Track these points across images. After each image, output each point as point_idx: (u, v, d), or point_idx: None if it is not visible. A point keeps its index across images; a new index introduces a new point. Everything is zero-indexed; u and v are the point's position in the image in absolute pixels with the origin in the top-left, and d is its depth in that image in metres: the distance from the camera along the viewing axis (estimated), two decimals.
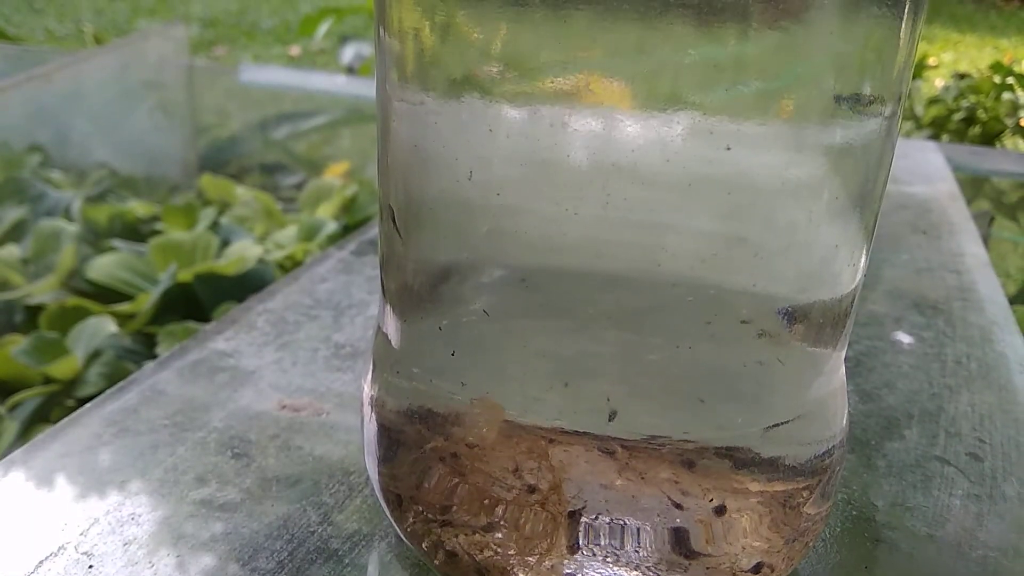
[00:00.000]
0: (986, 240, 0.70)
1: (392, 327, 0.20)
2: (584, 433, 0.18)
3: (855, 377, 0.31)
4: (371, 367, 0.21)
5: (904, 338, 0.34)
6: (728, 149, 0.16)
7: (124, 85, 0.70)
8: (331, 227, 0.67)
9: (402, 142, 0.19)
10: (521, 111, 0.16)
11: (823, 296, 0.19)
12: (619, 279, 0.17)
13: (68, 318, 0.56)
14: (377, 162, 0.21)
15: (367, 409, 0.21)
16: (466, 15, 0.17)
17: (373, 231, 0.42)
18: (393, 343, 0.20)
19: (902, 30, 0.17)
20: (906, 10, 0.17)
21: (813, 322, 0.18)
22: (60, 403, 0.50)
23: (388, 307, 0.21)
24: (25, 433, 0.48)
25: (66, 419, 0.26)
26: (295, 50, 3.05)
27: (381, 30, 0.19)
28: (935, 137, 0.94)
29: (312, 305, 0.34)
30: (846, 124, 0.17)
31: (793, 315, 0.18)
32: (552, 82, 0.16)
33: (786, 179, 0.17)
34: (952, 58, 3.25)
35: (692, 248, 0.17)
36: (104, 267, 0.63)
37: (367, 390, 0.21)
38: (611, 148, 0.16)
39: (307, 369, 0.30)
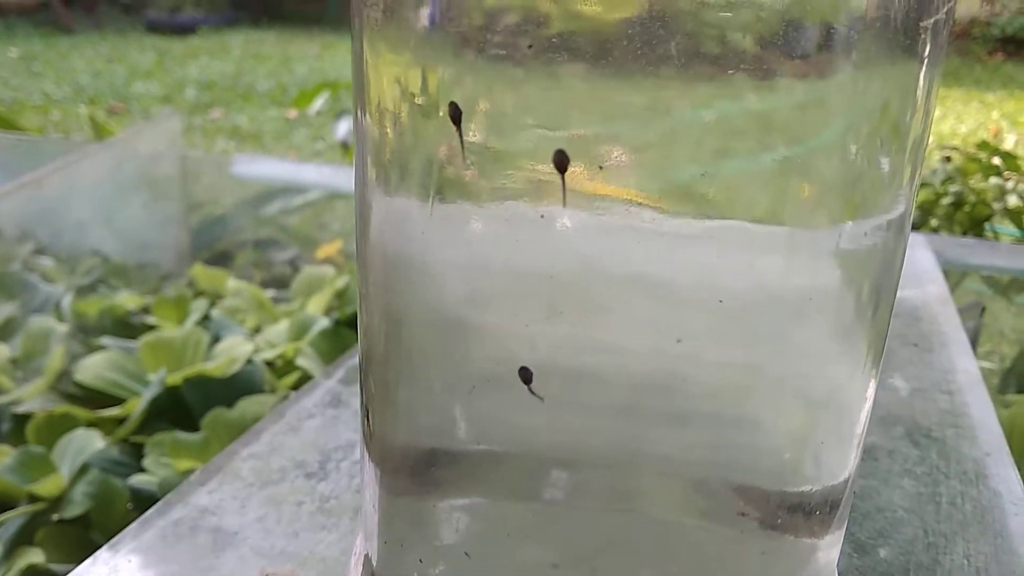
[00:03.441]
0: (977, 332, 0.70)
1: (374, 494, 0.20)
2: None
3: (850, 525, 0.31)
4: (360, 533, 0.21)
5: (899, 478, 0.34)
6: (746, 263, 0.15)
7: (118, 180, 0.71)
8: (322, 323, 0.67)
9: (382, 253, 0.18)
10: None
11: (819, 484, 0.18)
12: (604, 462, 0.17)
13: (55, 428, 0.55)
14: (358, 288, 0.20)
15: None
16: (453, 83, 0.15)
17: None
18: (376, 512, 0.20)
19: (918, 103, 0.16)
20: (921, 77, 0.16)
21: (810, 510, 0.18)
22: (45, 522, 0.49)
23: (370, 470, 0.20)
24: (9, 555, 0.47)
25: None
26: (292, 113, 3.08)
27: (359, 113, 0.18)
28: (923, 221, 0.95)
29: (298, 448, 0.34)
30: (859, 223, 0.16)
31: (790, 503, 0.18)
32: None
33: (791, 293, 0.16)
34: (940, 113, 3.29)
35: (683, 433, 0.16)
36: (93, 368, 0.62)
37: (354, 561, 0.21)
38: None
39: (291, 528, 0.29)
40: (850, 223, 0.16)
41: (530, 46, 0.14)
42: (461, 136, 0.14)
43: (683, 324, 0.16)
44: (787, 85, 0.14)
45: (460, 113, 0.14)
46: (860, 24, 0.14)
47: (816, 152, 0.15)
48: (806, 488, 0.18)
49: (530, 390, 0.15)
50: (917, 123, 0.17)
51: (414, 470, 0.19)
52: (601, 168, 0.14)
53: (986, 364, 0.71)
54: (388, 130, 0.17)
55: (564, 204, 0.14)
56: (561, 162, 0.14)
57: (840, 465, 0.19)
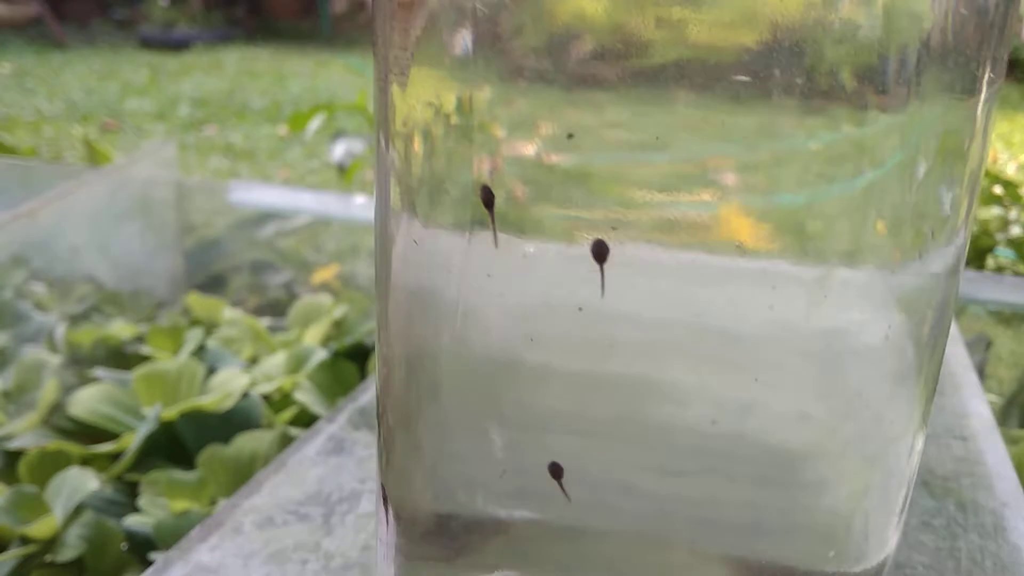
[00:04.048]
0: (983, 366, 0.70)
1: (388, 555, 0.19)
2: None
3: None
4: None
5: (917, 532, 0.33)
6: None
7: (112, 207, 0.70)
8: (320, 355, 0.66)
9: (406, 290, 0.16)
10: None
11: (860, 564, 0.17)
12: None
13: (48, 465, 0.54)
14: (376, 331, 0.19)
15: None
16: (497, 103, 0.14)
17: (364, 397, 0.41)
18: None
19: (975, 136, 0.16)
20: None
21: None
22: (38, 564, 0.48)
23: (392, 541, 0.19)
24: None
25: None
26: (284, 130, 3.07)
27: (382, 139, 0.17)
28: None
29: (302, 500, 0.33)
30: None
31: None
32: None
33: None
34: None
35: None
36: (87, 402, 0.61)
37: None
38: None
39: None
40: (916, 260, 0.15)
41: (615, 74, 0.13)
42: (493, 219, 0.14)
43: (749, 372, 0.15)
44: (857, 117, 0.14)
45: (492, 197, 0.13)
46: (927, 53, 0.14)
47: (884, 185, 0.14)
48: (846, 569, 0.17)
49: (560, 486, 0.14)
50: (975, 154, 0.16)
51: (438, 532, 0.18)
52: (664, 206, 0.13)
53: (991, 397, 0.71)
54: (417, 156, 0.16)
55: (602, 294, 0.13)
56: (600, 252, 0.13)
57: (880, 541, 0.18)
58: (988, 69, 0.15)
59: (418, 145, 0.16)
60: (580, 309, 0.14)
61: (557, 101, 0.14)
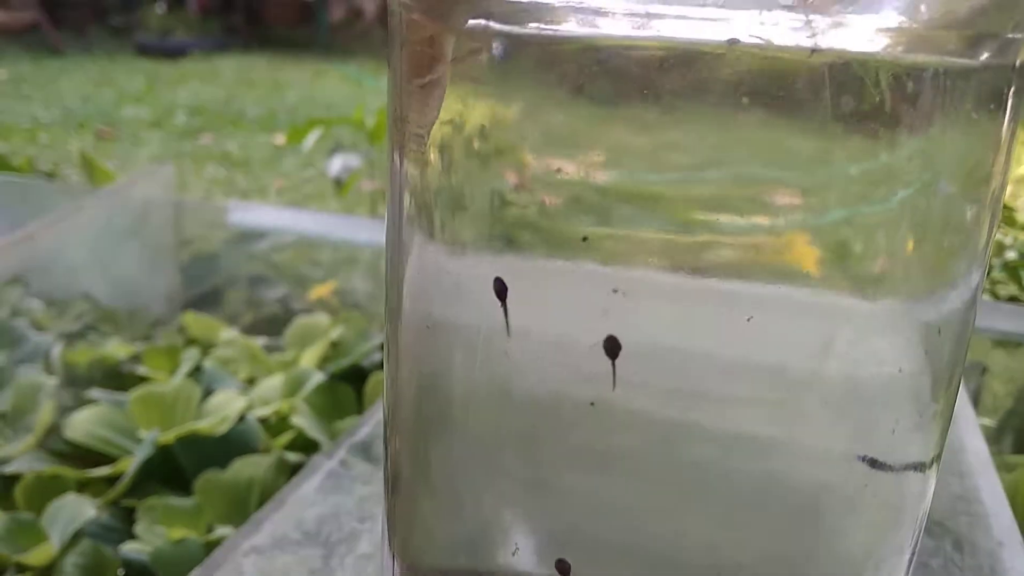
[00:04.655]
0: (978, 392, 0.70)
1: None
2: None
3: None
4: None
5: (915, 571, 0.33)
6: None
7: (111, 228, 0.70)
8: (317, 378, 0.66)
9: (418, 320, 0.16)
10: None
11: None
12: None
13: (45, 490, 0.54)
14: (384, 356, 0.18)
15: None
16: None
17: (363, 431, 0.41)
18: None
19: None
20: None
21: None
22: None
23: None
24: None
25: None
26: (280, 139, 3.07)
27: (396, 155, 0.16)
28: None
29: (300, 540, 0.33)
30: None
31: None
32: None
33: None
34: None
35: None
36: (83, 425, 0.61)
37: None
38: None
39: None
40: (939, 287, 0.15)
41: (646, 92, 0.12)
42: (506, 311, 0.13)
43: (766, 407, 0.14)
44: (887, 139, 0.13)
45: (506, 289, 0.13)
46: (953, 72, 0.14)
47: (912, 206, 0.14)
48: None
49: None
50: (997, 175, 0.15)
51: None
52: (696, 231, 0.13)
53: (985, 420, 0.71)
54: (436, 172, 0.15)
55: (614, 388, 0.13)
56: (613, 349, 0.13)
57: None
58: (1015, 82, 0.14)
59: (437, 161, 0.15)
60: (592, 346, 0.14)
61: (590, 119, 0.13)
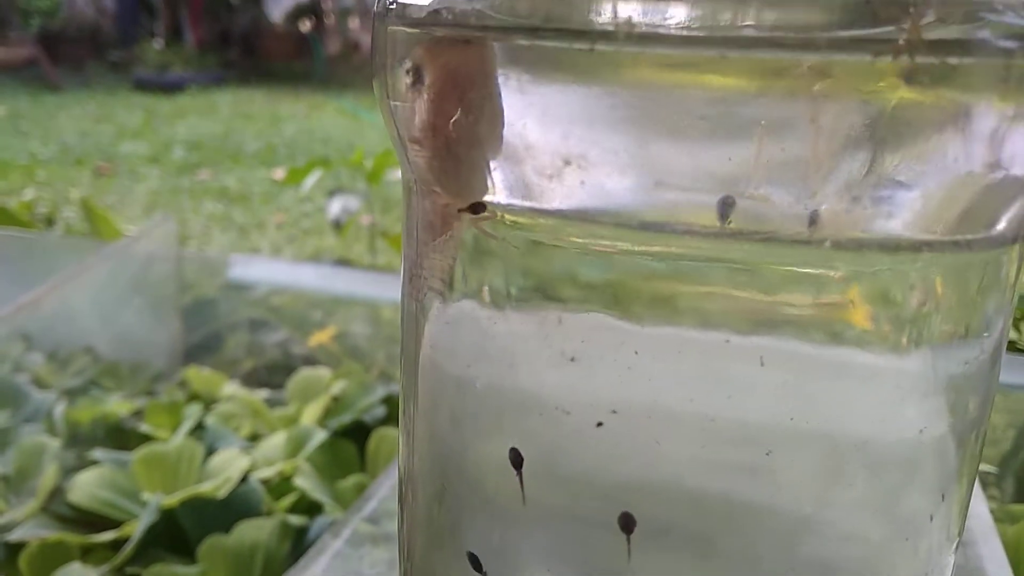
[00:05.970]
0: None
1: None
2: None
3: None
4: None
5: None
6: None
7: (113, 285, 0.71)
8: (319, 437, 0.67)
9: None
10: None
11: None
12: None
13: (49, 558, 0.54)
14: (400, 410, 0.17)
15: None
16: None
17: (369, 506, 0.41)
18: None
19: None
20: None
21: None
22: None
23: None
24: None
25: None
26: (279, 173, 3.09)
27: (415, 192, 0.15)
28: None
29: None
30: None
31: None
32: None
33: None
34: None
35: None
36: (86, 488, 0.61)
37: None
38: None
39: None
40: (967, 339, 0.14)
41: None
42: (522, 480, 0.13)
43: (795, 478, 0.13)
44: None
45: (522, 460, 0.13)
46: None
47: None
48: None
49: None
50: None
51: None
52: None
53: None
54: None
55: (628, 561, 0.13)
56: (628, 525, 0.13)
57: None
58: None
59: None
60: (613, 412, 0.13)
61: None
